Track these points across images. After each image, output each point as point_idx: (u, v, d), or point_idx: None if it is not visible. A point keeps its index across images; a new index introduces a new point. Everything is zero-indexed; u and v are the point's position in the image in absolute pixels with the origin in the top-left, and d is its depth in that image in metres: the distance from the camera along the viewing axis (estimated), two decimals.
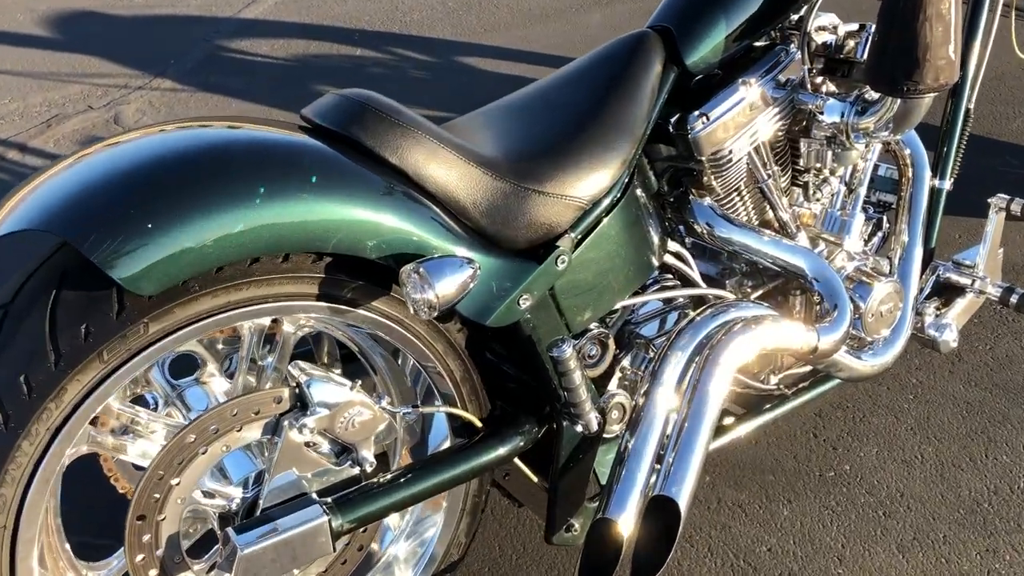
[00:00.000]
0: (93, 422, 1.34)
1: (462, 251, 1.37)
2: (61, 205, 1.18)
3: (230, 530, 1.30)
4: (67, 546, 1.39)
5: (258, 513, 1.35)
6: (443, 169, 1.38)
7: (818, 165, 1.80)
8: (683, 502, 1.45)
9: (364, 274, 1.35)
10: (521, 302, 1.43)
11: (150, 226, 1.15)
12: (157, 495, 1.29)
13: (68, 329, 1.17)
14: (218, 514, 1.38)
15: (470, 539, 1.63)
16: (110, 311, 1.18)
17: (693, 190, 1.76)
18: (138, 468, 1.47)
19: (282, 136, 1.34)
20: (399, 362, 1.56)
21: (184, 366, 1.56)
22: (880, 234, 2.02)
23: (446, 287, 1.28)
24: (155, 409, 1.54)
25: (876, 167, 1.95)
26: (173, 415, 1.45)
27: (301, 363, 1.39)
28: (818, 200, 1.86)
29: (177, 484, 1.30)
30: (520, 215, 1.42)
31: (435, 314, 1.28)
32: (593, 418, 1.53)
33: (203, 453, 1.31)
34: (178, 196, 1.18)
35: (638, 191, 1.62)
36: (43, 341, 1.16)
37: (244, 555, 1.27)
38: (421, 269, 1.27)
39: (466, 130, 1.55)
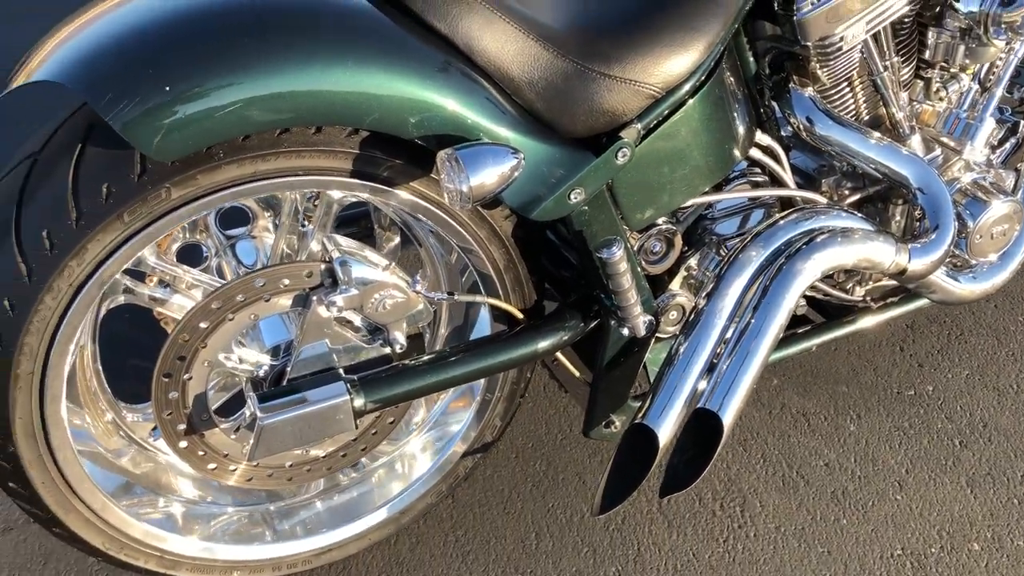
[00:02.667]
0: (133, 274, 1.35)
1: (510, 135, 1.26)
2: (83, 60, 1.13)
3: (253, 398, 1.30)
4: (107, 387, 1.43)
5: (285, 382, 1.35)
6: (498, 42, 1.25)
7: (947, 60, 1.56)
8: (728, 419, 1.37)
9: (402, 151, 1.26)
10: (572, 196, 1.31)
11: (168, 88, 1.09)
12: (184, 355, 1.30)
13: (90, 188, 1.14)
14: (248, 378, 1.38)
15: (506, 423, 1.60)
16: (131, 173, 1.14)
17: (795, 77, 1.57)
18: None
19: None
20: (447, 252, 1.49)
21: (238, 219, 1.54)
22: (1013, 141, 1.78)
23: (483, 178, 1.18)
24: (206, 259, 1.54)
25: (1021, 68, 1.69)
26: (214, 270, 1.45)
27: (339, 238, 1.34)
28: (942, 99, 1.63)
29: (203, 348, 1.30)
30: (581, 99, 1.29)
31: (468, 206, 1.19)
32: (641, 323, 1.44)
33: (230, 320, 1.30)
34: (201, 55, 1.11)
35: (727, 75, 1.44)
36: (65, 198, 1.14)
37: (264, 425, 1.27)
38: (457, 156, 1.17)
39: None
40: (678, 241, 1.54)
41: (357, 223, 1.65)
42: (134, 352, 1.63)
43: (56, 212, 1.14)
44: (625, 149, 1.32)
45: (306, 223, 1.39)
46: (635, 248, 1.45)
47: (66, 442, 1.28)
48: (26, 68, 1.18)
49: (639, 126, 1.33)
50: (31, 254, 1.15)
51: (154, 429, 1.48)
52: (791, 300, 1.43)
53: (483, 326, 1.51)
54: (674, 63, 1.32)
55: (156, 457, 1.46)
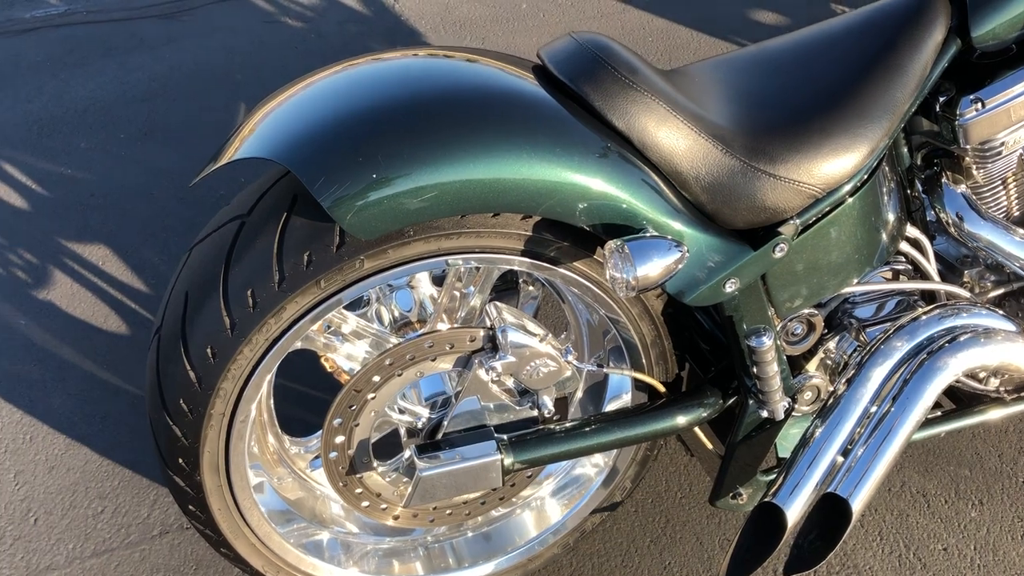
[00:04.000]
0: None
1: (674, 226, 1.33)
2: (294, 137, 1.25)
3: (414, 450, 1.40)
4: (275, 420, 1.56)
5: (440, 436, 1.45)
6: (671, 139, 1.32)
7: None
8: (857, 506, 1.41)
9: (569, 235, 1.34)
10: (728, 285, 1.38)
11: (375, 176, 1.19)
12: (354, 406, 1.41)
13: (293, 254, 1.26)
14: (405, 428, 1.49)
15: (634, 485, 1.67)
16: (331, 244, 1.26)
17: (948, 173, 1.59)
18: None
19: (514, 84, 1.33)
20: (591, 314, 1.57)
21: None
22: None
23: (649, 270, 1.25)
24: (367, 303, 1.66)
25: None
26: (382, 316, 1.56)
27: (499, 305, 1.44)
28: None
29: (372, 399, 1.41)
30: (744, 196, 1.35)
31: (632, 294, 1.27)
32: (781, 407, 1.49)
33: (398, 376, 1.41)
34: (406, 145, 1.21)
35: (884, 171, 1.48)
36: (270, 261, 1.26)
37: (423, 477, 1.37)
38: (626, 248, 1.25)
39: (699, 85, 1.46)
40: (819, 324, 1.58)
41: (504, 276, 1.74)
42: (295, 385, 1.76)
43: (261, 273, 1.26)
44: (783, 244, 1.38)
45: (470, 285, 1.49)
46: (777, 330, 1.51)
47: (244, 475, 1.40)
48: (239, 142, 1.31)
49: (798, 222, 1.39)
50: (235, 310, 1.27)
51: (314, 459, 1.60)
52: (930, 396, 1.47)
53: (617, 387, 1.59)
54: (837, 165, 1.36)
55: (314, 489, 1.58)
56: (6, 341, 2.26)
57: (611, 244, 1.27)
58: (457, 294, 1.47)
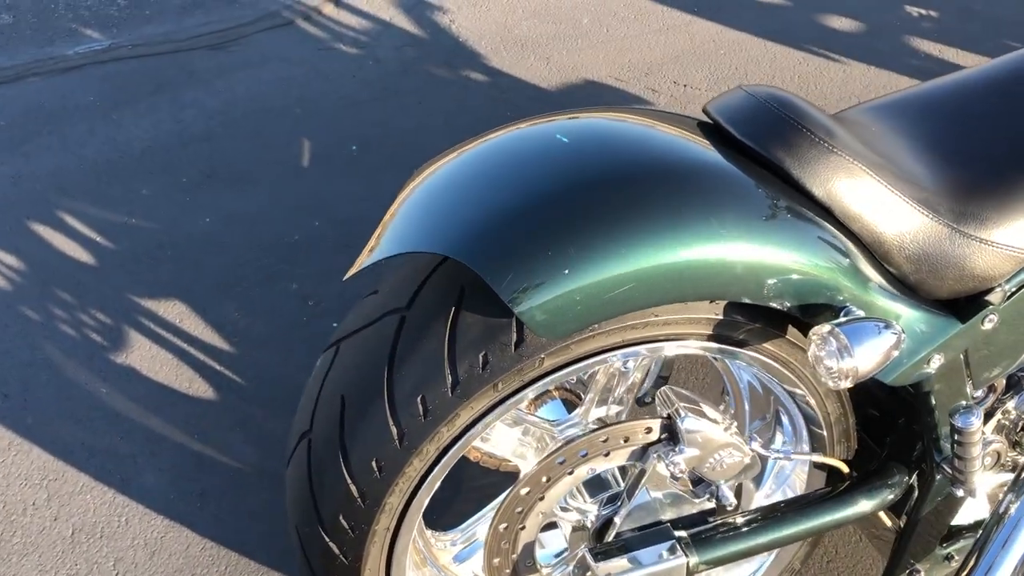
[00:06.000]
0: None
1: (880, 302, 1.19)
2: (464, 224, 1.12)
3: (588, 555, 1.27)
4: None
5: (612, 535, 1.32)
6: (874, 206, 1.19)
7: None
8: None
9: (760, 316, 1.21)
10: (932, 362, 1.25)
11: (567, 272, 1.06)
12: (520, 509, 1.28)
13: (467, 356, 1.13)
14: (572, 526, 1.36)
15: (802, 565, 1.54)
16: (509, 343, 1.13)
17: None
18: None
19: (696, 153, 1.20)
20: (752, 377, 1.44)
21: None
22: None
23: (868, 357, 1.12)
24: None
25: None
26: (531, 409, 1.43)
27: (675, 389, 1.31)
28: None
29: (541, 500, 1.28)
30: (952, 264, 1.22)
31: (849, 385, 1.13)
32: (979, 487, 1.36)
33: (569, 474, 1.28)
34: (599, 235, 1.08)
35: None
36: (442, 365, 1.13)
37: None
38: (841, 335, 1.12)
39: (884, 137, 1.33)
40: (1000, 385, 1.45)
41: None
42: None
43: (431, 378, 1.14)
44: (992, 316, 1.25)
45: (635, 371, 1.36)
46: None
47: None
48: (396, 228, 1.18)
49: (1007, 289, 1.26)
50: (404, 419, 1.14)
51: (460, 552, 1.48)
52: None
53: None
54: None
55: None
56: (88, 411, 2.14)
57: (821, 330, 1.13)
58: (625, 379, 1.35)
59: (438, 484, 1.22)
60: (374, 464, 1.16)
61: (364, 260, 1.19)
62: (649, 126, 1.24)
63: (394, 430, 1.15)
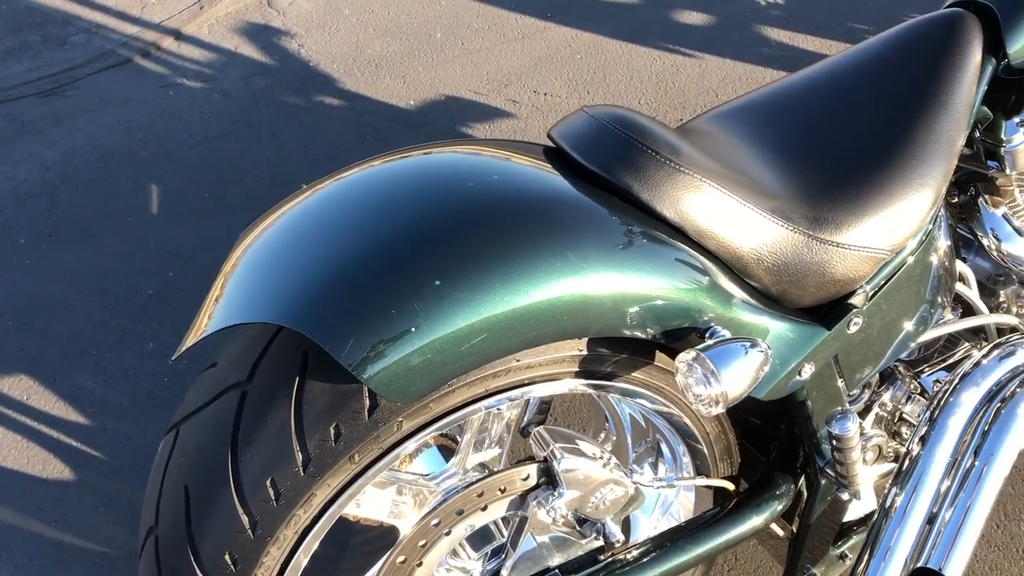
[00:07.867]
0: None
1: (745, 318, 1.16)
2: (297, 289, 1.02)
3: None
4: None
5: None
6: (728, 223, 1.15)
7: None
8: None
9: (626, 346, 1.16)
10: (803, 372, 1.22)
11: (413, 329, 0.98)
12: None
13: (316, 429, 1.03)
14: None
15: None
16: (361, 410, 1.04)
17: (985, 196, 1.48)
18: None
19: (542, 182, 1.13)
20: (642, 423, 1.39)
21: None
22: None
23: (737, 381, 1.08)
24: None
25: None
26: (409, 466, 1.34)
27: (549, 429, 1.24)
28: None
29: (419, 567, 1.20)
30: (812, 272, 1.19)
31: (720, 410, 1.09)
32: (863, 487, 1.34)
33: (447, 535, 1.20)
34: (444, 285, 1.00)
35: (942, 214, 1.35)
36: (289, 442, 1.03)
37: None
38: (706, 360, 1.07)
39: (732, 146, 1.29)
40: (874, 380, 1.44)
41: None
42: None
43: (280, 457, 1.04)
44: (857, 318, 1.23)
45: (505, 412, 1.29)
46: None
47: None
48: (225, 300, 1.07)
49: (867, 289, 1.24)
50: (254, 506, 1.04)
51: None
52: (1014, 445, 1.35)
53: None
54: (906, 223, 1.22)
55: None
56: None
57: (686, 356, 1.09)
58: (500, 418, 1.27)
59: (304, 565, 1.12)
60: (227, 558, 1.05)
61: (193, 337, 1.08)
62: (494, 161, 1.17)
63: (245, 519, 1.04)
